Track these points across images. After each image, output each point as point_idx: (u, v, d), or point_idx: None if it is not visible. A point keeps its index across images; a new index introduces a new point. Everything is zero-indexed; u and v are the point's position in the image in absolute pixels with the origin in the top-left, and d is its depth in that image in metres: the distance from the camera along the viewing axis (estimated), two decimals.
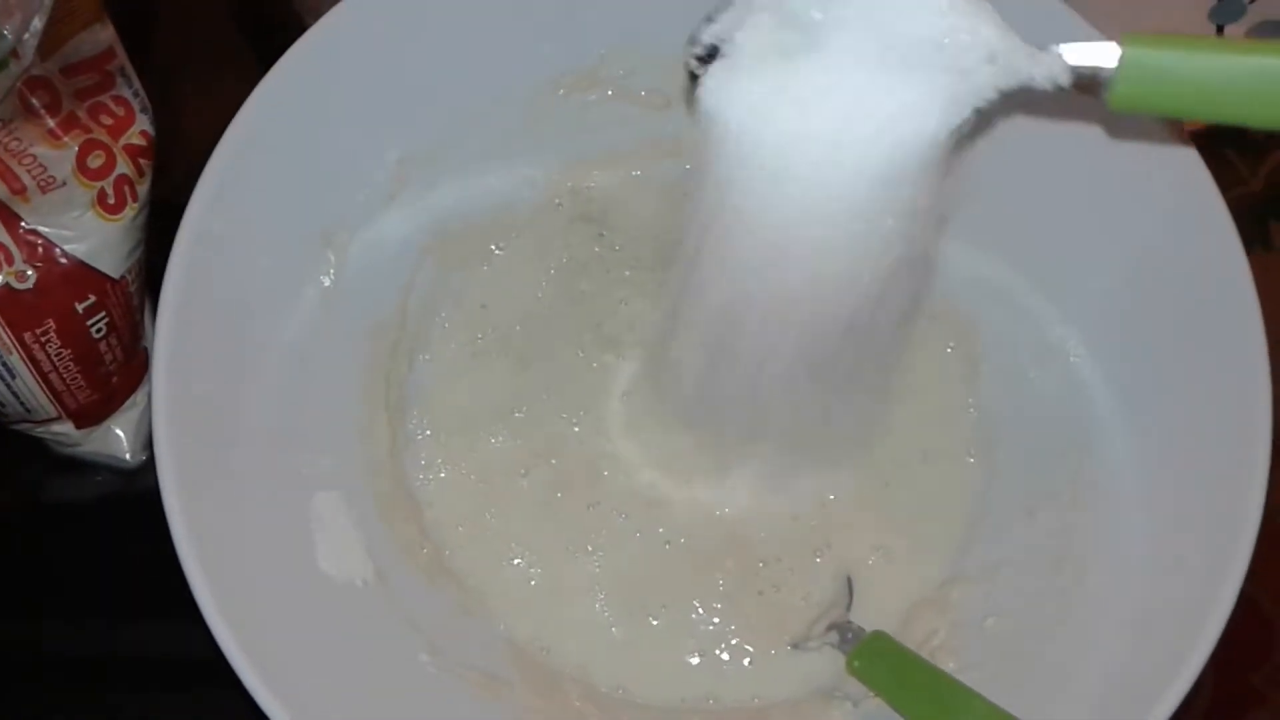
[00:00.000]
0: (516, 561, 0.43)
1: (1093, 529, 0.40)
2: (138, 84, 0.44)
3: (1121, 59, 0.30)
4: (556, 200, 0.48)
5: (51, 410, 0.45)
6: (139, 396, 0.47)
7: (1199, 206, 0.40)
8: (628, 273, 0.47)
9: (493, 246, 0.47)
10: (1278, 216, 0.56)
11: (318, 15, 0.41)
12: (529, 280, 0.47)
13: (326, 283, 0.42)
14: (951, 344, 0.47)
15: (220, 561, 0.34)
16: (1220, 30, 0.54)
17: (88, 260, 0.43)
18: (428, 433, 0.45)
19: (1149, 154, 0.41)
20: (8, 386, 0.43)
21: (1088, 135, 0.42)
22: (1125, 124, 0.41)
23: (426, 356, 0.46)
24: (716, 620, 0.43)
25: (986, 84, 0.30)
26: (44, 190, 0.42)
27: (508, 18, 0.43)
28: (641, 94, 0.47)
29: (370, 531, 0.41)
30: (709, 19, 0.30)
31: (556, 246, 0.48)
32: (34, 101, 0.42)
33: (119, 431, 0.47)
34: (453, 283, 0.47)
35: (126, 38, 0.44)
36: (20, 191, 0.41)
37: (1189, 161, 0.40)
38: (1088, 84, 0.31)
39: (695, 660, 0.42)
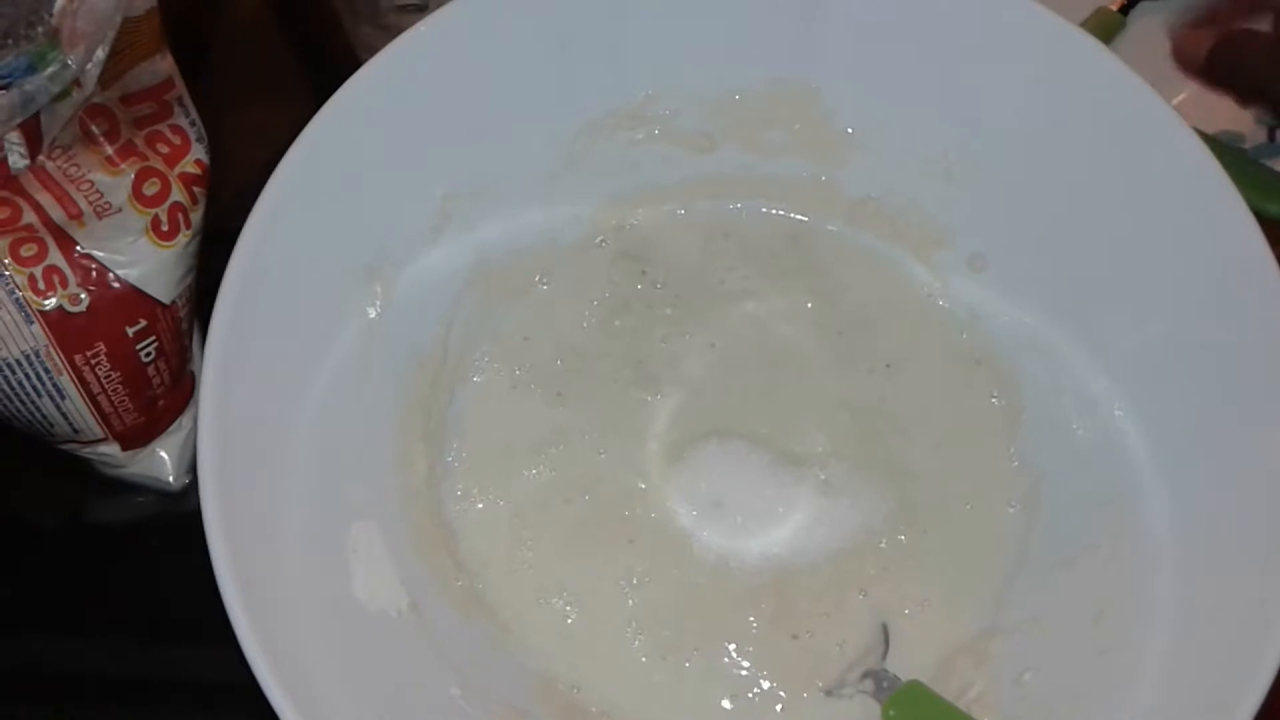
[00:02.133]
0: (551, 596, 0.43)
1: (1131, 585, 0.39)
2: (194, 114, 0.45)
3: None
4: (600, 237, 0.49)
5: (98, 431, 0.46)
6: (184, 420, 0.48)
7: (1247, 263, 0.39)
8: (669, 311, 0.48)
9: (535, 281, 0.48)
10: None
11: (372, 52, 0.42)
12: (570, 316, 0.48)
13: (372, 314, 0.43)
14: (994, 392, 0.46)
15: (257, 587, 0.35)
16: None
17: (140, 285, 0.43)
18: (465, 465, 0.45)
19: (1197, 207, 0.40)
20: (57, 407, 0.44)
21: (1134, 188, 0.42)
22: (1171, 177, 0.41)
23: (466, 389, 0.46)
24: (749, 664, 0.42)
25: None
26: (100, 216, 0.42)
27: (556, 56, 0.44)
28: (687, 135, 0.47)
29: (405, 562, 0.41)
30: None
31: (599, 282, 0.48)
32: (93, 129, 0.43)
33: (164, 454, 0.48)
34: (494, 316, 0.47)
35: (183, 67, 0.45)
36: (77, 216, 0.42)
37: (1238, 216, 0.40)
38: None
39: (727, 705, 0.42)
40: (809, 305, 0.48)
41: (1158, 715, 0.37)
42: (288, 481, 0.38)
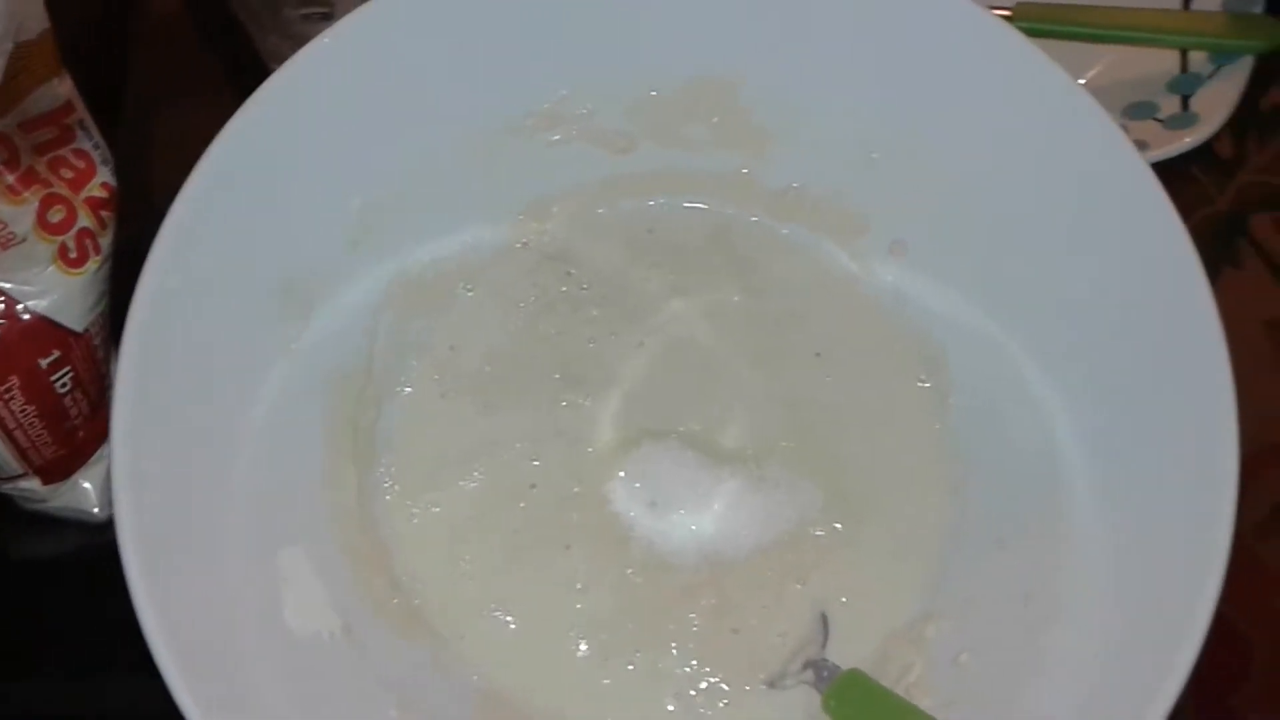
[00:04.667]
0: (491, 607, 0.43)
1: (1063, 562, 0.40)
2: (98, 136, 0.44)
3: None
4: (522, 241, 0.48)
5: (17, 467, 0.44)
6: (106, 450, 0.47)
7: (1163, 242, 0.39)
8: (595, 312, 0.47)
9: (458, 289, 0.47)
10: (1246, 235, 0.56)
11: (281, 64, 0.41)
12: (496, 322, 0.47)
13: (291, 332, 0.42)
14: (922, 377, 0.46)
15: (181, 619, 0.34)
16: None
17: (50, 315, 0.42)
18: (396, 480, 0.44)
19: (1108, 183, 0.41)
20: None
21: (1047, 168, 0.42)
22: (1083, 156, 0.41)
23: (394, 403, 0.45)
24: (694, 661, 0.42)
25: None
26: (4, 247, 0.41)
27: (466, 59, 0.43)
28: (605, 134, 0.47)
29: (337, 584, 0.40)
30: None
31: (524, 287, 0.48)
32: None
33: (86, 485, 0.47)
34: (419, 327, 0.46)
35: (101, 79, 0.44)
36: None
37: (1150, 192, 0.40)
38: None
39: (671, 706, 0.42)
40: (736, 299, 0.48)
41: (1093, 692, 0.37)
42: (210, 510, 0.38)
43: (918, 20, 0.43)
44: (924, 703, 0.39)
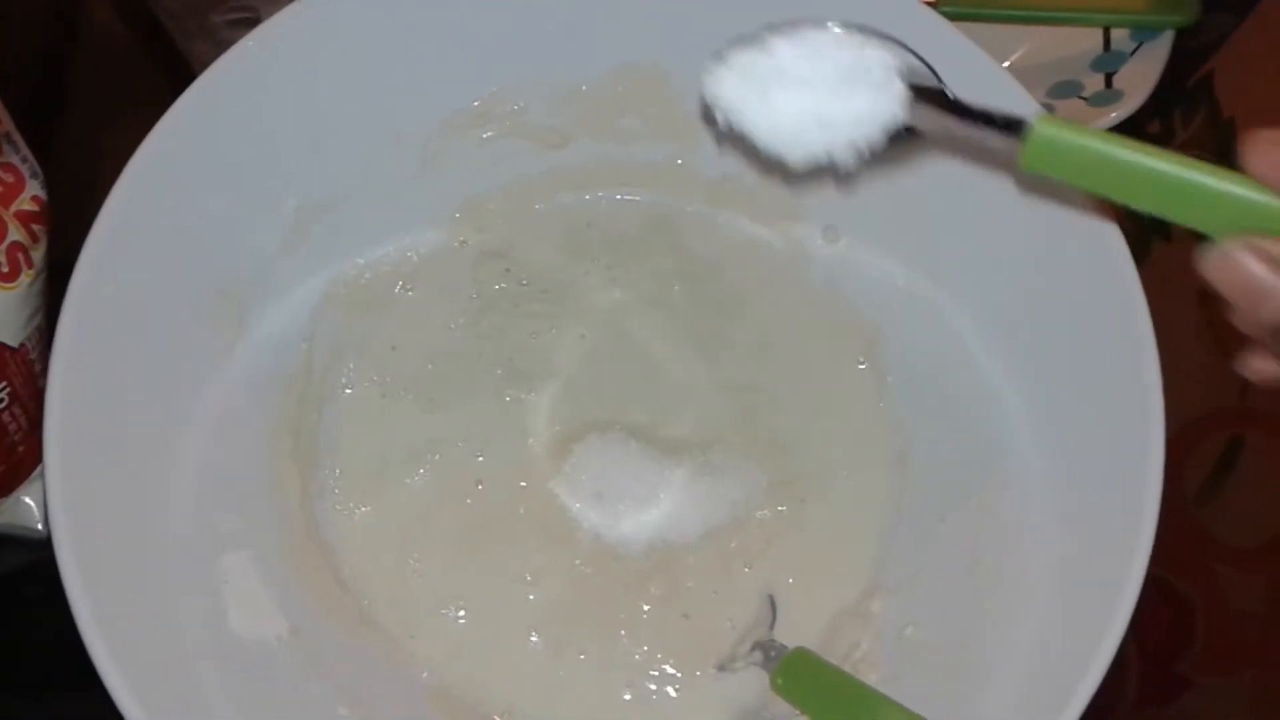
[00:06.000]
0: (441, 604, 0.43)
1: (1003, 531, 0.41)
2: (26, 150, 0.44)
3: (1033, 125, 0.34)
4: (460, 238, 0.48)
5: None
6: None
7: (1086, 214, 0.40)
8: (536, 307, 0.48)
9: (398, 289, 0.47)
10: None
11: (205, 66, 0.41)
12: (437, 320, 0.47)
13: (227, 338, 0.42)
14: (860, 358, 0.47)
15: (125, 629, 0.34)
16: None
17: None
18: (341, 482, 0.44)
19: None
20: None
21: (973, 152, 0.43)
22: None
23: (336, 404, 0.45)
24: (645, 649, 0.43)
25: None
26: None
27: (392, 58, 0.43)
28: (538, 129, 0.47)
29: (284, 588, 0.40)
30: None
31: (463, 284, 0.48)
32: None
33: (29, 501, 0.46)
34: (359, 328, 0.46)
35: (39, 92, 0.44)
36: None
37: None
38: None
39: (627, 696, 0.42)
40: (676, 288, 0.48)
41: (1035, 657, 0.38)
42: (151, 520, 0.37)
43: (840, 4, 0.43)
44: (870, 677, 0.40)
